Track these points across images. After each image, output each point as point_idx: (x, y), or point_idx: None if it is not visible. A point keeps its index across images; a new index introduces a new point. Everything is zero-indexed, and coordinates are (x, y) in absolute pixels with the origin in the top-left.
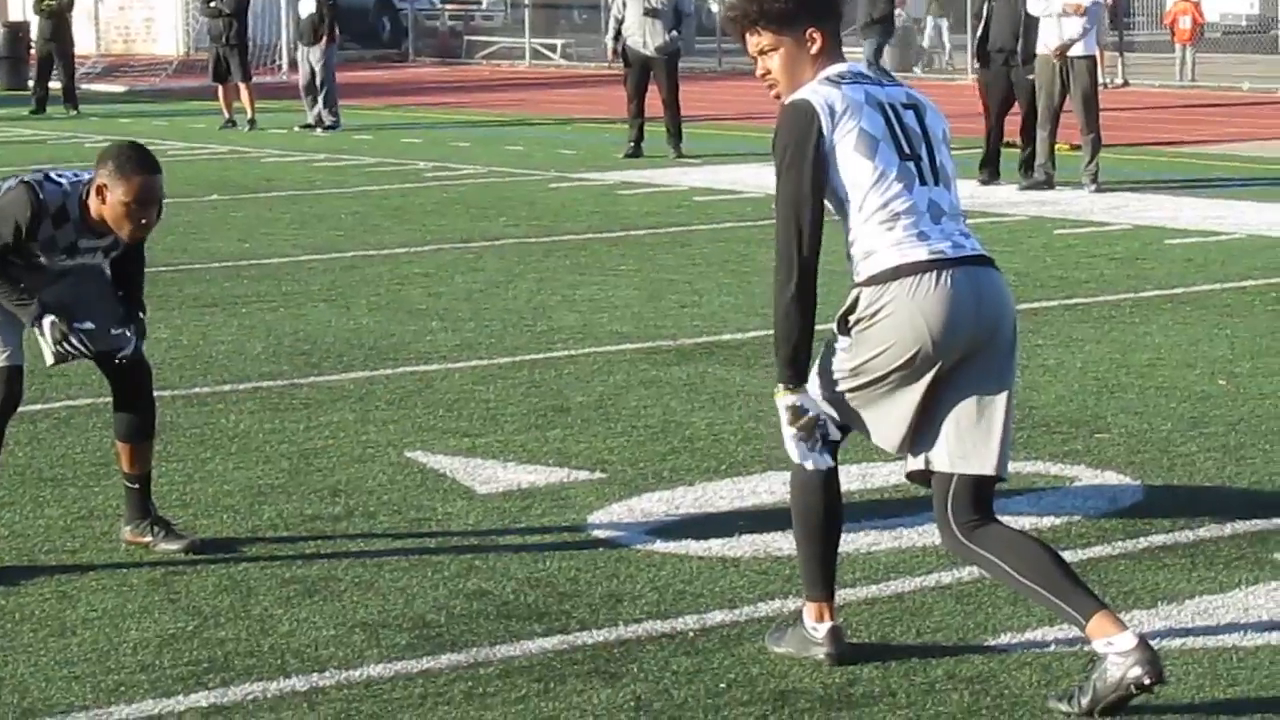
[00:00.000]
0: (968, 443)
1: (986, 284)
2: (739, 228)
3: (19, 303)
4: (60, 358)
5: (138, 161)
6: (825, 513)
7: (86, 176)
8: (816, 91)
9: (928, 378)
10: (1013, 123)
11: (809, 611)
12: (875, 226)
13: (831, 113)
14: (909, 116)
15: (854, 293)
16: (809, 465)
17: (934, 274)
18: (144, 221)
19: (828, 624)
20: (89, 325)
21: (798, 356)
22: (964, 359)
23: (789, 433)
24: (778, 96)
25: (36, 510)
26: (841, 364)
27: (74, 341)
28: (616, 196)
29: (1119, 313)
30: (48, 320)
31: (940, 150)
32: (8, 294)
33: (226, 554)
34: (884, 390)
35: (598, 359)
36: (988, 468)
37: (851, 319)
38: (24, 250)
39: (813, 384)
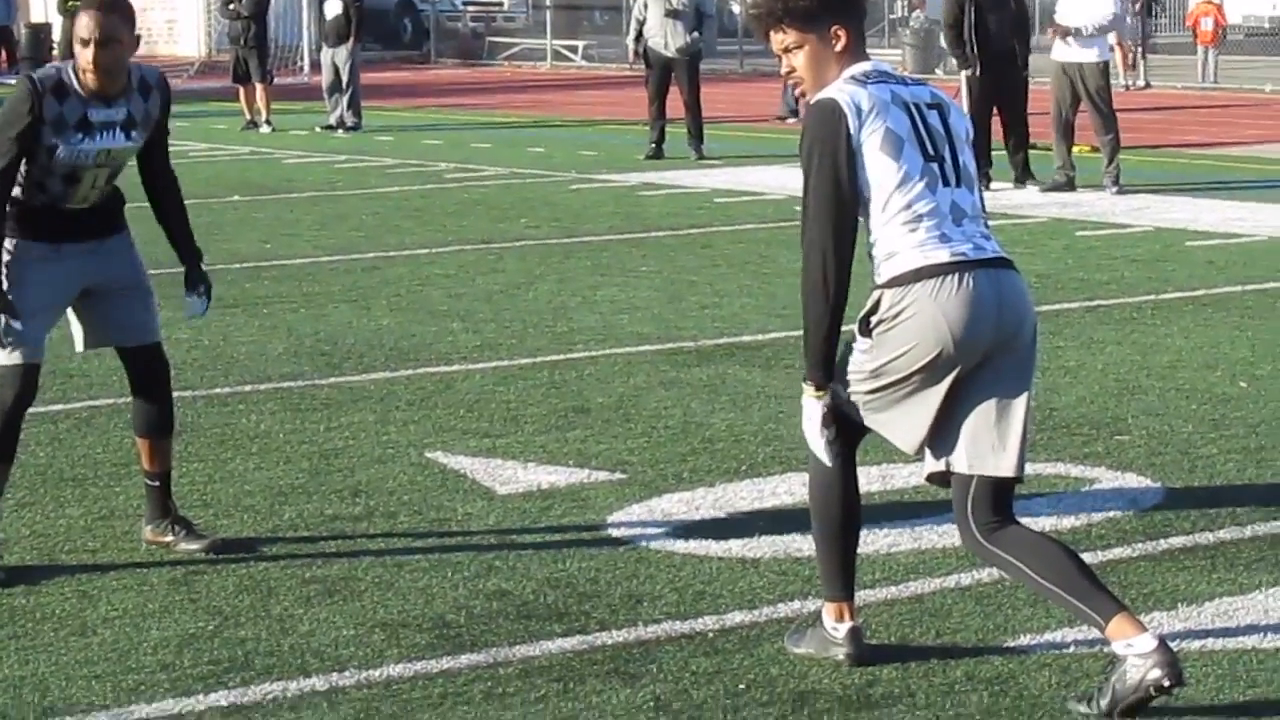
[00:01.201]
0: (985, 444)
1: (1008, 286)
2: (760, 229)
3: None
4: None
5: (84, 3)
6: (844, 513)
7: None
8: (843, 90)
9: (948, 380)
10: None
11: (829, 612)
12: (898, 227)
13: (858, 112)
14: (933, 116)
15: (875, 294)
16: (832, 464)
17: (956, 276)
18: (97, 60)
19: (848, 624)
20: (17, 326)
21: (830, 357)
22: (984, 361)
23: (821, 437)
24: (803, 95)
25: (58, 510)
26: (862, 365)
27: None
28: (638, 198)
29: (1140, 315)
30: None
31: (963, 151)
32: None
33: (247, 554)
34: (905, 392)
35: (618, 360)
36: (1006, 469)
37: (873, 320)
38: (38, 145)
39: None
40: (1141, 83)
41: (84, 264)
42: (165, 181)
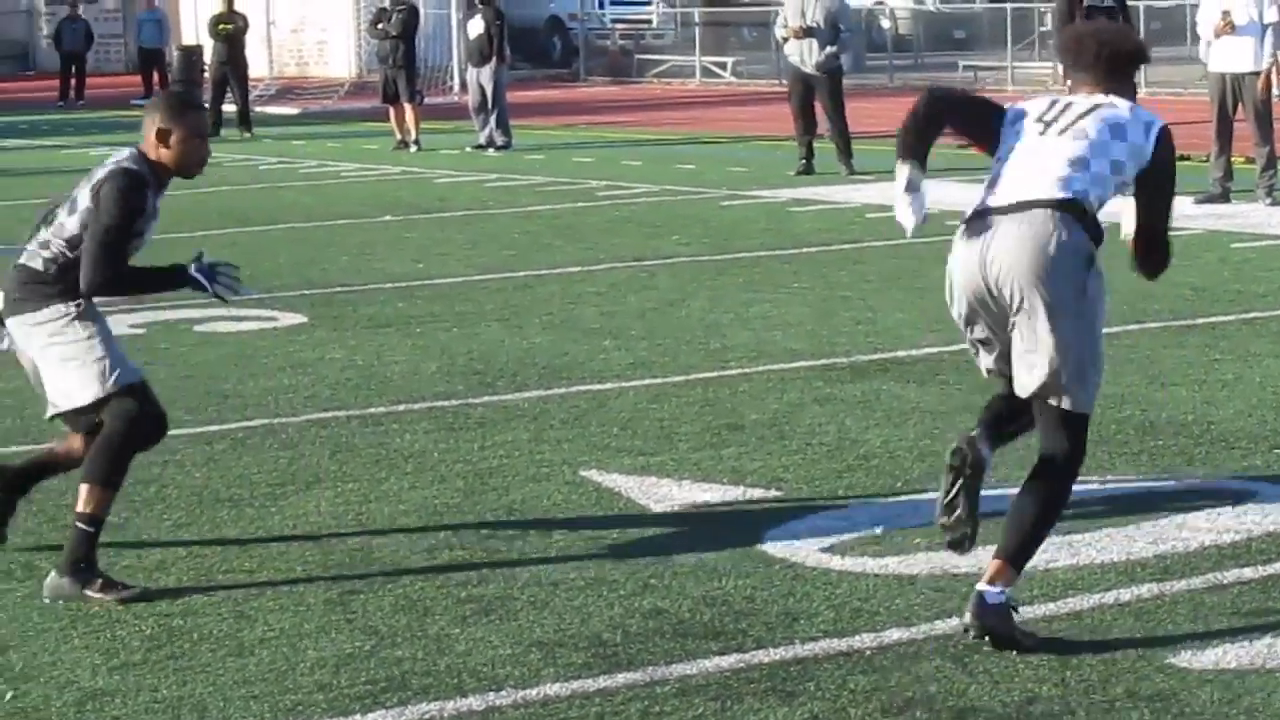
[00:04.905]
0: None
1: (1003, 231)
2: (912, 244)
3: (161, 276)
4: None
5: (187, 101)
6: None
7: (127, 151)
8: None
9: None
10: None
11: None
12: None
13: None
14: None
15: None
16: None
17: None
18: (206, 154)
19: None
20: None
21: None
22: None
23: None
24: None
25: (214, 530)
26: None
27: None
28: (789, 214)
29: None
30: (197, 267)
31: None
32: (146, 280)
33: (403, 573)
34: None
35: (771, 376)
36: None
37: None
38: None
39: None
40: None
41: None
42: None
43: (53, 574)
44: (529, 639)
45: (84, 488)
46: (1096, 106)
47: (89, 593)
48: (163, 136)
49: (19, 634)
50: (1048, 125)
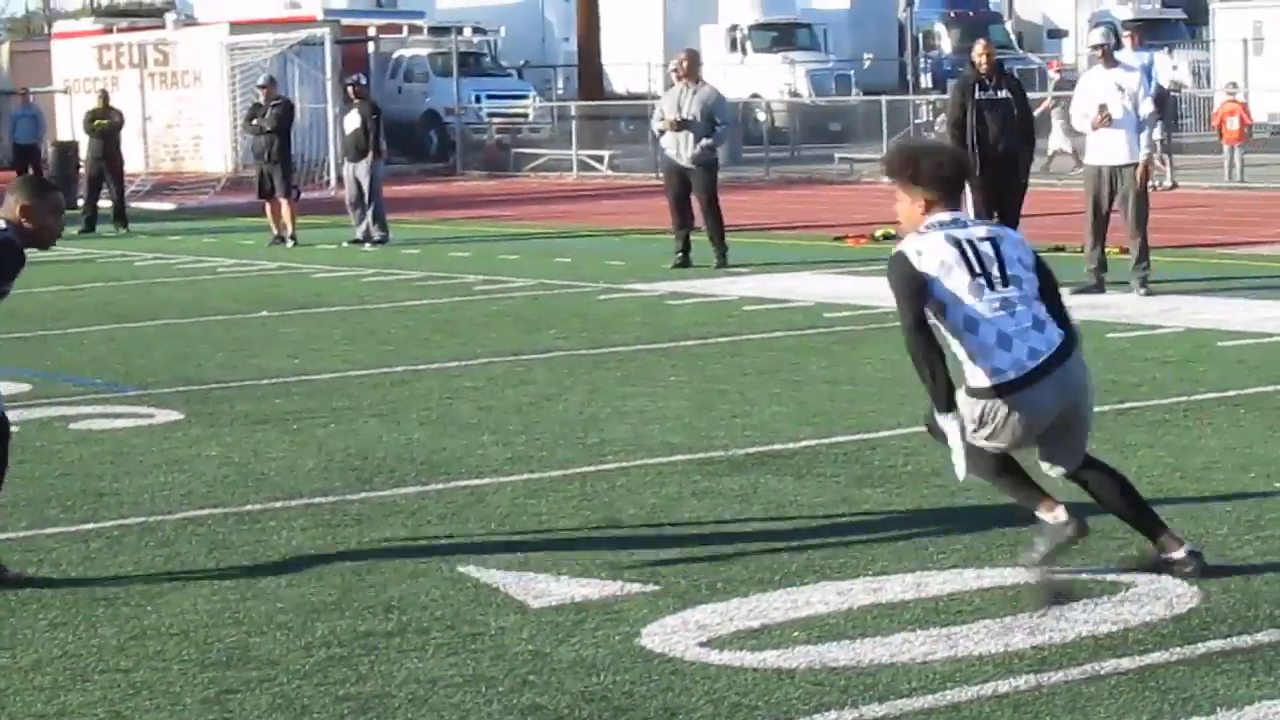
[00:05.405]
0: None
1: (1067, 375)
2: (789, 336)
3: None
4: None
5: (47, 183)
6: (1004, 465)
7: None
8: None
9: None
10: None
11: (1043, 512)
12: None
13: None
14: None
15: None
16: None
17: None
18: (62, 228)
19: (1059, 508)
20: None
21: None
22: None
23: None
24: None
25: (90, 630)
26: None
27: None
28: (666, 307)
29: (1173, 417)
30: None
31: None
32: None
33: (280, 671)
34: None
35: (649, 470)
36: None
37: None
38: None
39: None
40: (1168, 183)
41: None
42: None
43: None
44: None
45: None
46: (995, 240)
47: None
48: (26, 212)
49: None
50: (990, 281)
